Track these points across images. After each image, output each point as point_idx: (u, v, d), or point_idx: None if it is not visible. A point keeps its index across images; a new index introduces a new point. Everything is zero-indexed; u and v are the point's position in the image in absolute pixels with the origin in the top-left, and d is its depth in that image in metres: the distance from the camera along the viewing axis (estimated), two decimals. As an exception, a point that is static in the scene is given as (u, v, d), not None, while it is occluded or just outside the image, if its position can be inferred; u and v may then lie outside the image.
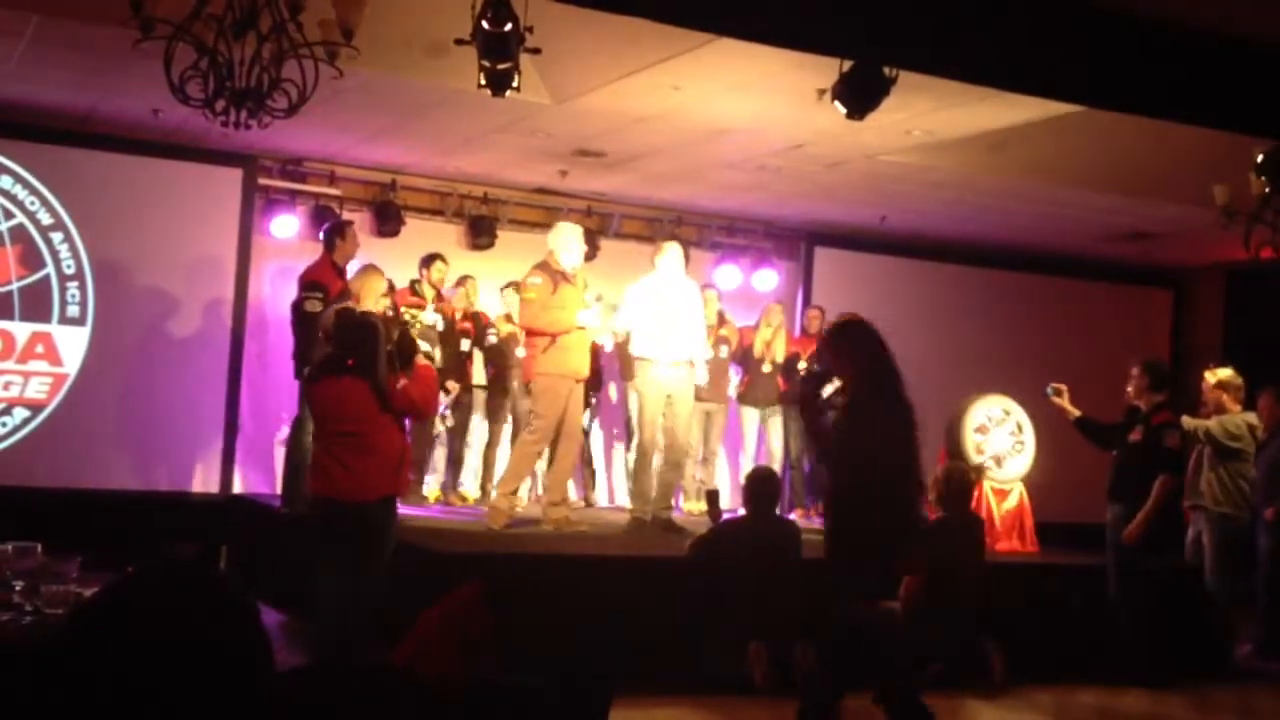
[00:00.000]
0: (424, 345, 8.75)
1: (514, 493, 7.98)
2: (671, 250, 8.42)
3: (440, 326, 9.42)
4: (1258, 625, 8.64)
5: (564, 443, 7.95)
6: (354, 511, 5.94)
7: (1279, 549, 8.52)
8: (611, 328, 8.76)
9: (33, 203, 9.52)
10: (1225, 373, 8.47)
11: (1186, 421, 8.24)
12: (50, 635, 1.54)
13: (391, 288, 9.41)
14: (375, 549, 6.00)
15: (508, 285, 9.72)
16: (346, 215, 10.10)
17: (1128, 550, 7.44)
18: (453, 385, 9.31)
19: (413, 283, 9.59)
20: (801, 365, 10.14)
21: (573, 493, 9.93)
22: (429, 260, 9.58)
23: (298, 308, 8.20)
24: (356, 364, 5.94)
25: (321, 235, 8.64)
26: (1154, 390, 7.57)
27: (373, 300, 7.66)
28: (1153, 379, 7.58)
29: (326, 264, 8.25)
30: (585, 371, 8.07)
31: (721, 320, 10.05)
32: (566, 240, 7.99)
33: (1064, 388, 8.00)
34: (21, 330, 9.48)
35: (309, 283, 8.16)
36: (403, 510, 8.89)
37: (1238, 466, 8.24)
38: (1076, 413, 7.95)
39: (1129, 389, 7.69)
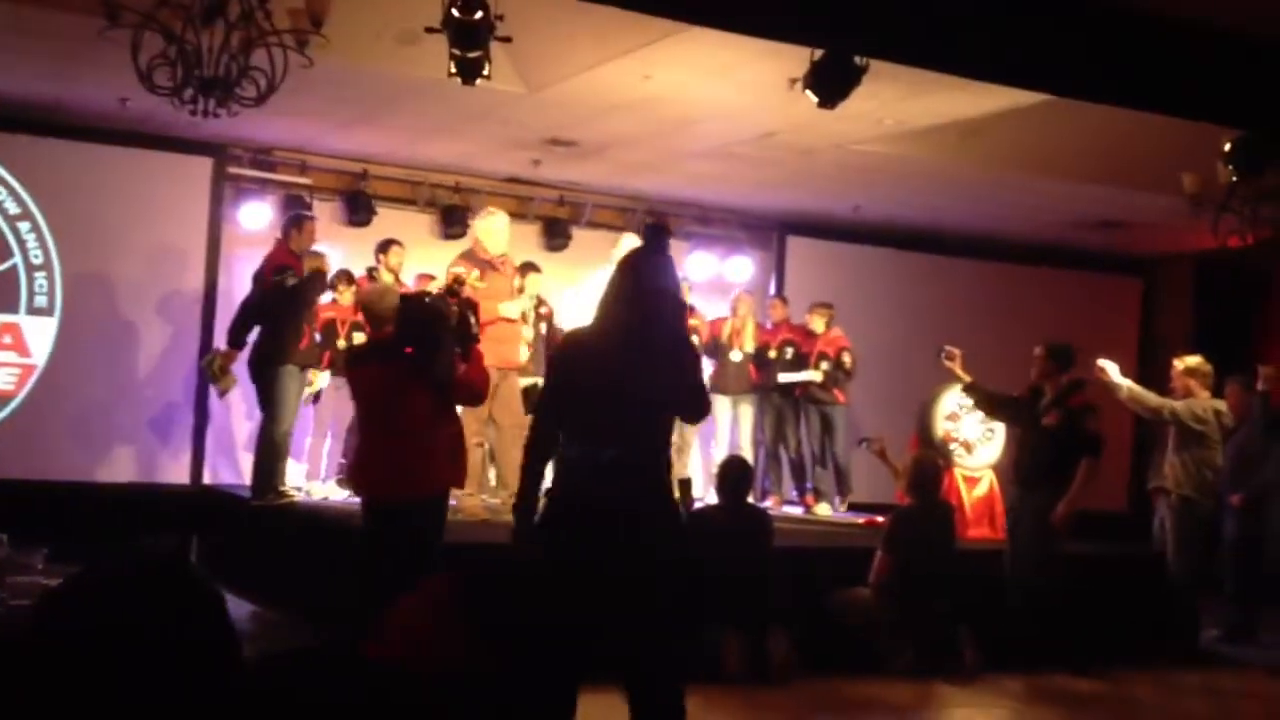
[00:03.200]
0: None
1: (474, 492, 7.88)
2: (629, 240, 8.42)
3: None
4: (1223, 610, 8.74)
5: (504, 434, 7.86)
6: (406, 511, 5.61)
7: (1245, 535, 8.64)
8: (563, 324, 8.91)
9: (-1, 192, 9.45)
10: (1194, 360, 8.52)
11: (1153, 399, 8.31)
12: (16, 626, 1.53)
13: (350, 278, 9.42)
14: (429, 547, 5.63)
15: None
16: (317, 204, 10.08)
17: (1052, 537, 7.26)
18: None
19: (370, 270, 9.50)
20: (772, 354, 10.18)
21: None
22: (385, 245, 9.48)
23: (277, 287, 8.15)
24: (416, 355, 5.56)
25: (282, 222, 8.74)
26: (1060, 372, 7.43)
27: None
28: (1059, 361, 7.45)
29: (284, 250, 8.32)
30: (517, 360, 8.12)
31: (691, 312, 10.05)
32: (493, 227, 7.88)
33: (957, 352, 7.89)
34: (-12, 321, 9.40)
35: (278, 266, 8.20)
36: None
37: (1202, 453, 8.29)
38: (967, 378, 7.87)
39: (1032, 371, 7.57)
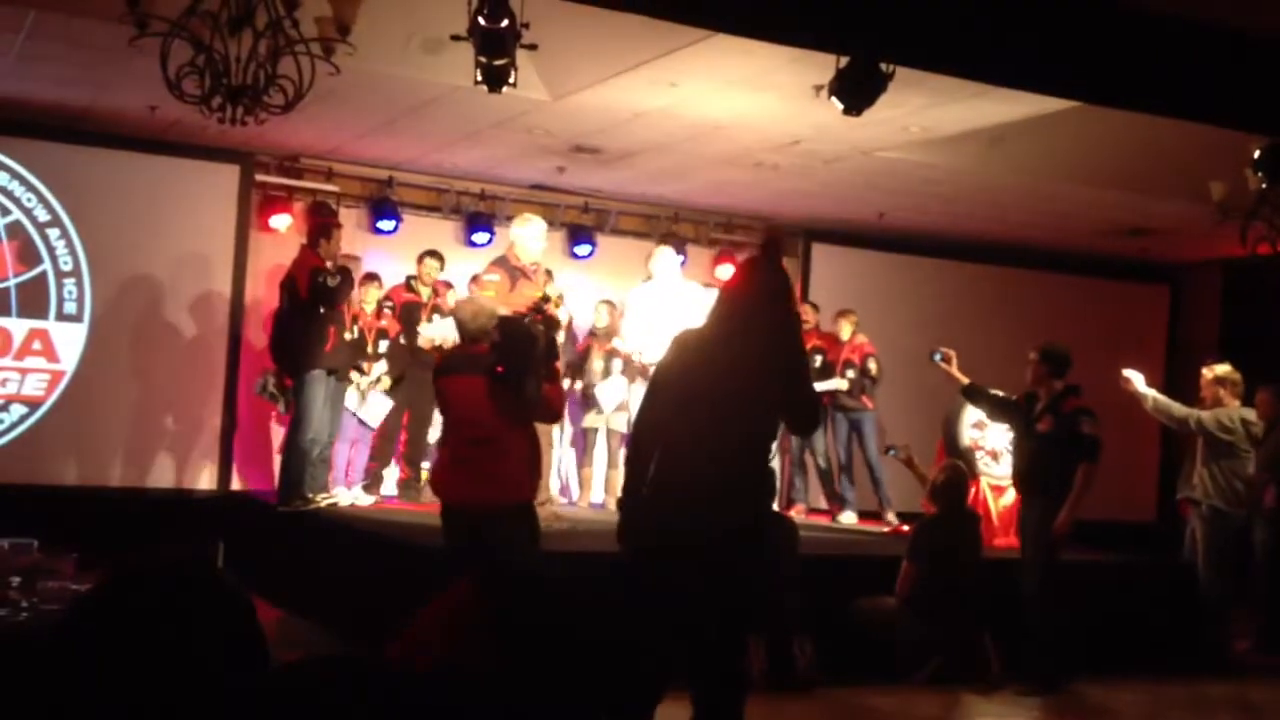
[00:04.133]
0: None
1: None
2: (663, 254, 8.43)
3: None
4: (1254, 621, 8.66)
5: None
6: (482, 517, 5.67)
7: (1275, 543, 8.55)
8: (622, 347, 8.96)
9: (29, 199, 9.51)
10: (1223, 368, 8.46)
11: (1178, 409, 8.25)
12: (47, 631, 1.54)
13: (379, 281, 9.48)
14: (519, 554, 5.65)
15: (472, 280, 9.59)
16: (344, 211, 10.13)
17: (1054, 544, 7.09)
18: None
19: (409, 279, 9.57)
20: None
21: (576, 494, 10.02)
22: (425, 257, 9.56)
23: (319, 288, 8.17)
24: (508, 374, 5.65)
25: (309, 230, 8.75)
26: (1054, 377, 7.22)
27: None
28: (1052, 366, 7.24)
29: (313, 256, 8.33)
30: None
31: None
32: (530, 234, 7.73)
33: (952, 354, 7.70)
34: (19, 327, 9.47)
35: (313, 269, 8.22)
36: (399, 505, 8.97)
37: (1231, 463, 8.23)
38: (965, 380, 7.65)
39: (1027, 374, 7.38)
